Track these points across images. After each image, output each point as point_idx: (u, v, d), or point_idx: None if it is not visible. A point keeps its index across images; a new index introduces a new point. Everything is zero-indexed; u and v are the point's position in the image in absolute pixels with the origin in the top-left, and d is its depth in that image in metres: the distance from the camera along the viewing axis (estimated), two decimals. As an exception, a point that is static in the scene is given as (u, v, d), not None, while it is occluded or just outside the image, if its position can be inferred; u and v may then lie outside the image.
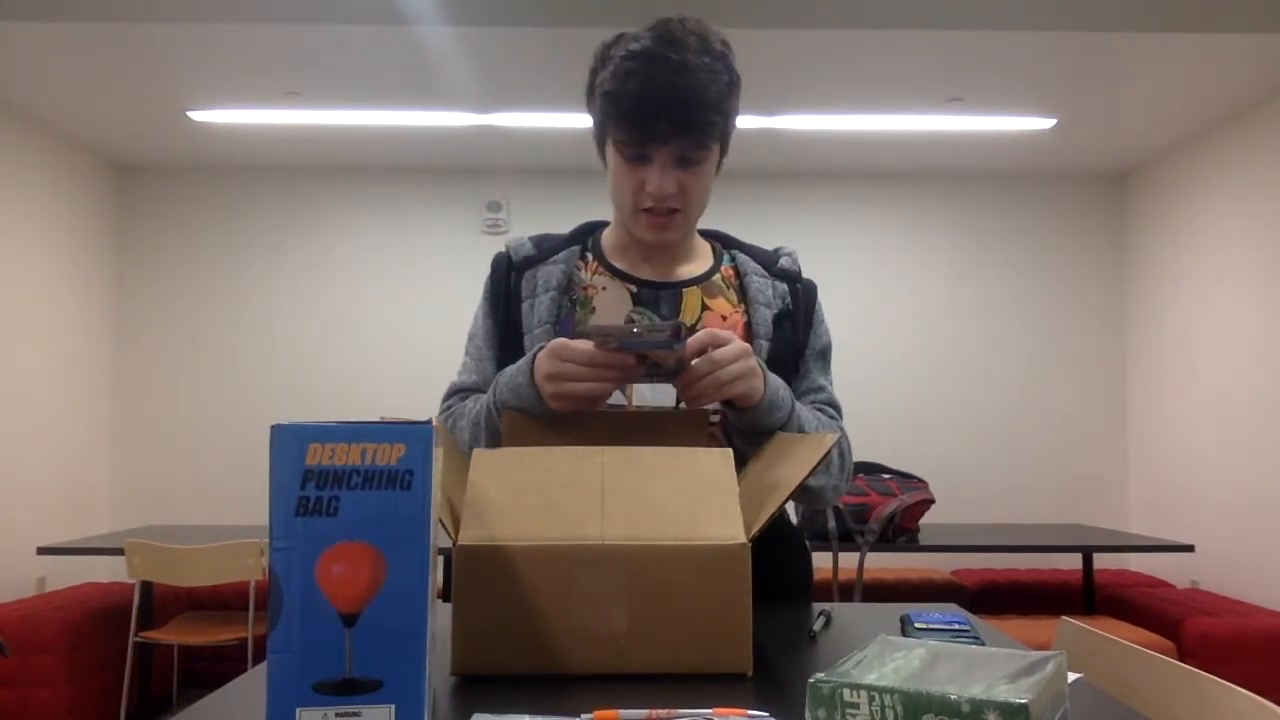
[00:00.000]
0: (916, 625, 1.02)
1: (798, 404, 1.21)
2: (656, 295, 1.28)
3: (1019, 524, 4.82)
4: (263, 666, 0.71)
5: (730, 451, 0.94)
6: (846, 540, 3.47)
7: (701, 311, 1.27)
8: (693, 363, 1.07)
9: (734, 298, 1.30)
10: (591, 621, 0.83)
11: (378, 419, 0.68)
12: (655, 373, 1.09)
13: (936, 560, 4.84)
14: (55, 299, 4.57)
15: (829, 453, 1.13)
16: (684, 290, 1.28)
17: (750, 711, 0.69)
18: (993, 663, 0.70)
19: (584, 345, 1.06)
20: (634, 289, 1.29)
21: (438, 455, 0.71)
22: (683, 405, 1.14)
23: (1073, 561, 4.34)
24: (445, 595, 1.49)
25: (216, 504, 4.89)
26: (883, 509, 3.50)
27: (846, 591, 3.65)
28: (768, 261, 1.33)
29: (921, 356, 5.14)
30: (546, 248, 1.32)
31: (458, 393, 1.31)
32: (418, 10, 3.29)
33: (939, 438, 5.07)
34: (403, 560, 0.65)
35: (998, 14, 3.36)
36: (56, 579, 4.42)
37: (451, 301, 4.87)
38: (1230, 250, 4.34)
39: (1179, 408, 4.69)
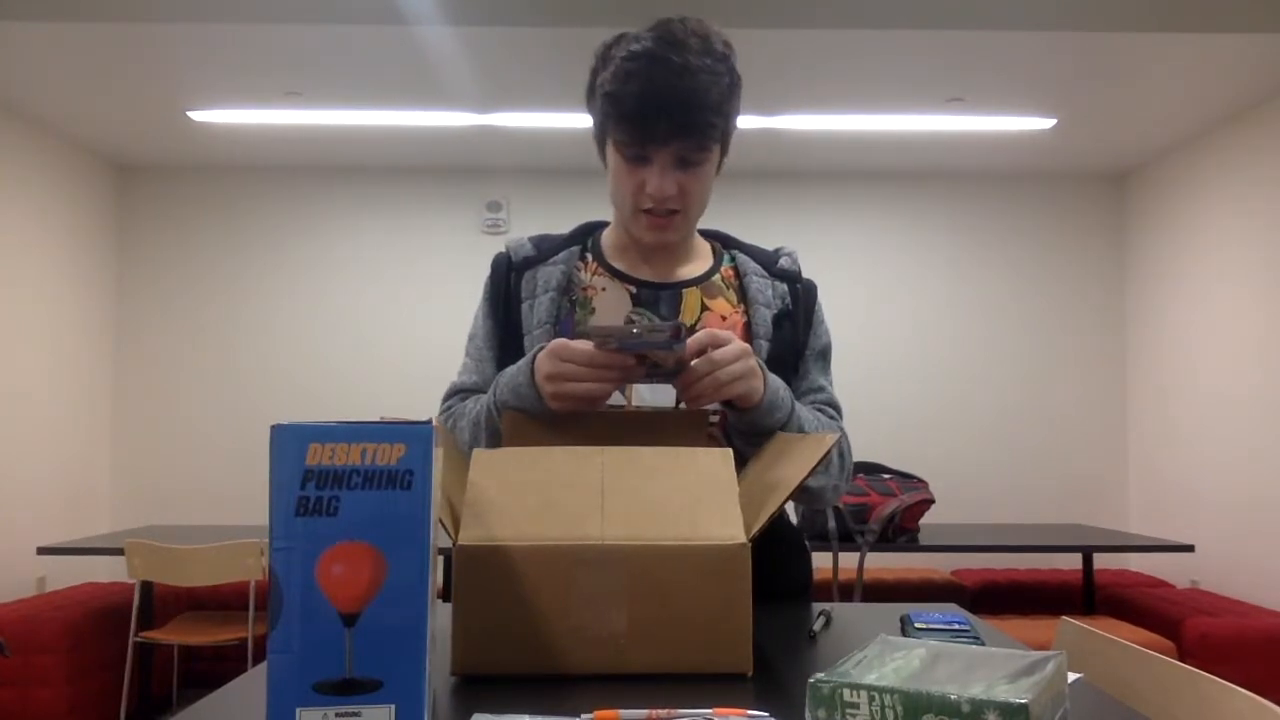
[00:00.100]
0: (916, 625, 1.02)
1: (797, 404, 1.21)
2: (656, 296, 1.28)
3: (1019, 524, 4.82)
4: (263, 666, 0.71)
5: (730, 451, 0.94)
6: (846, 540, 3.47)
7: (701, 312, 1.27)
8: (692, 363, 1.07)
9: (734, 298, 1.30)
10: (591, 621, 0.83)
11: (378, 419, 0.68)
12: (655, 373, 1.09)
13: (936, 560, 4.84)
14: (55, 299, 4.57)
15: (829, 453, 1.13)
16: (684, 291, 1.28)
17: (750, 711, 0.69)
18: (993, 663, 0.70)
19: (584, 346, 1.06)
20: (634, 289, 1.28)
21: (438, 455, 0.71)
22: (682, 405, 1.14)
23: (1073, 561, 4.34)
24: (445, 595, 1.49)
25: (216, 504, 4.89)
26: (883, 509, 3.50)
27: (846, 591, 3.65)
28: (768, 262, 1.33)
29: (921, 356, 5.14)
30: (546, 248, 1.32)
31: (458, 393, 1.31)
32: (418, 10, 3.29)
33: (939, 438, 5.07)
34: (403, 560, 0.65)
35: (998, 14, 3.36)
36: (56, 579, 4.42)
37: (451, 301, 4.87)
38: (1230, 250, 4.34)
39: (1179, 408, 4.69)
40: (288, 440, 0.65)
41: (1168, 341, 4.80)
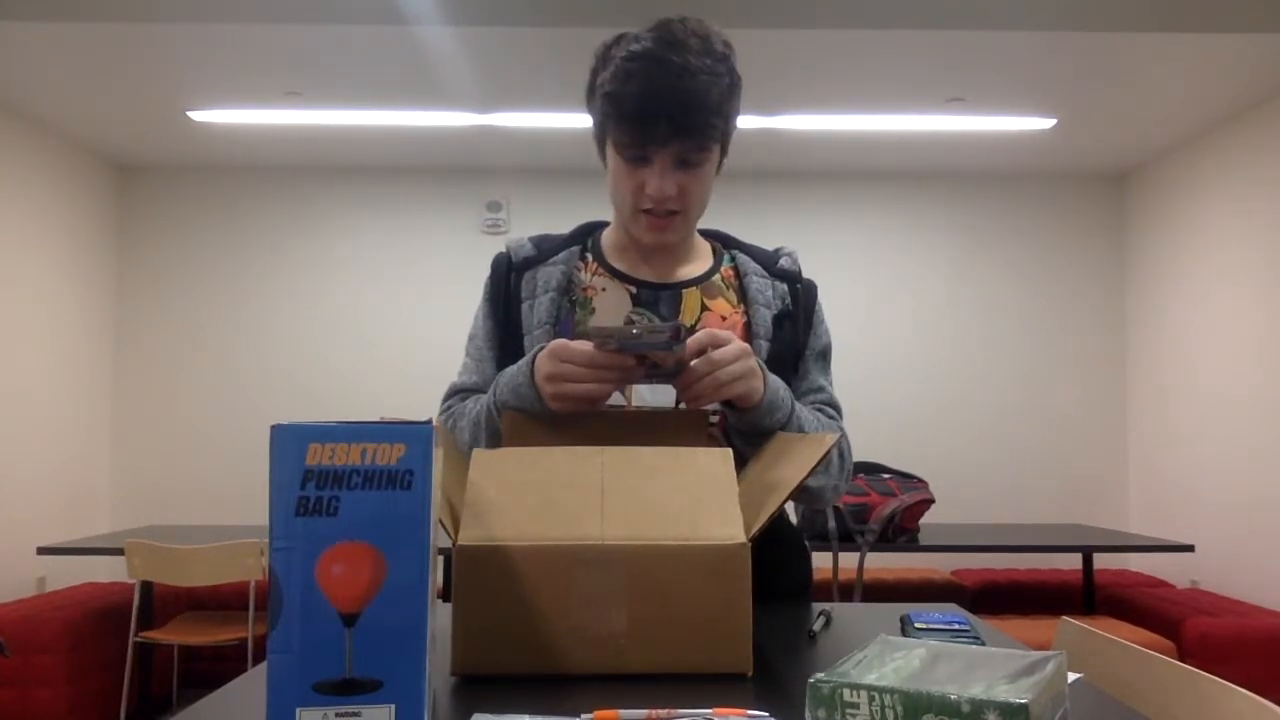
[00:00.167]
0: (916, 625, 1.02)
1: (797, 404, 1.21)
2: (656, 296, 1.28)
3: (1019, 524, 4.82)
4: (263, 666, 0.71)
5: (730, 451, 0.94)
6: (846, 540, 3.47)
7: (701, 312, 1.27)
8: (692, 363, 1.07)
9: (734, 298, 1.30)
10: (591, 621, 0.83)
11: (378, 419, 0.68)
12: (655, 374, 1.09)
13: (936, 560, 4.84)
14: (55, 299, 4.57)
15: (829, 453, 1.13)
16: (683, 291, 1.28)
17: (750, 711, 0.69)
18: (993, 663, 0.70)
19: (583, 346, 1.06)
20: (633, 290, 1.28)
21: (438, 455, 0.71)
22: (682, 406, 1.14)
23: (1073, 561, 4.34)
24: (445, 595, 1.49)
25: (216, 504, 4.89)
26: (883, 509, 3.50)
27: (846, 591, 3.65)
28: (768, 262, 1.33)
29: (921, 356, 5.14)
30: (546, 248, 1.32)
31: (458, 393, 1.31)
32: (418, 10, 3.29)
33: (939, 438, 5.07)
34: (403, 560, 0.65)
35: (998, 14, 3.36)
36: (56, 579, 4.42)
37: (451, 301, 4.87)
38: (1230, 250, 4.34)
39: (1179, 408, 4.69)
40: (288, 440, 0.65)
41: (1168, 341, 4.80)
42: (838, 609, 1.16)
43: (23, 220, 4.35)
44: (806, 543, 1.44)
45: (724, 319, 1.27)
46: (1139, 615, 3.97)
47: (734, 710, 0.69)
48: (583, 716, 0.69)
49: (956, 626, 1.01)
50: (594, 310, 1.27)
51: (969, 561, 4.86)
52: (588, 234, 1.36)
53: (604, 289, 1.29)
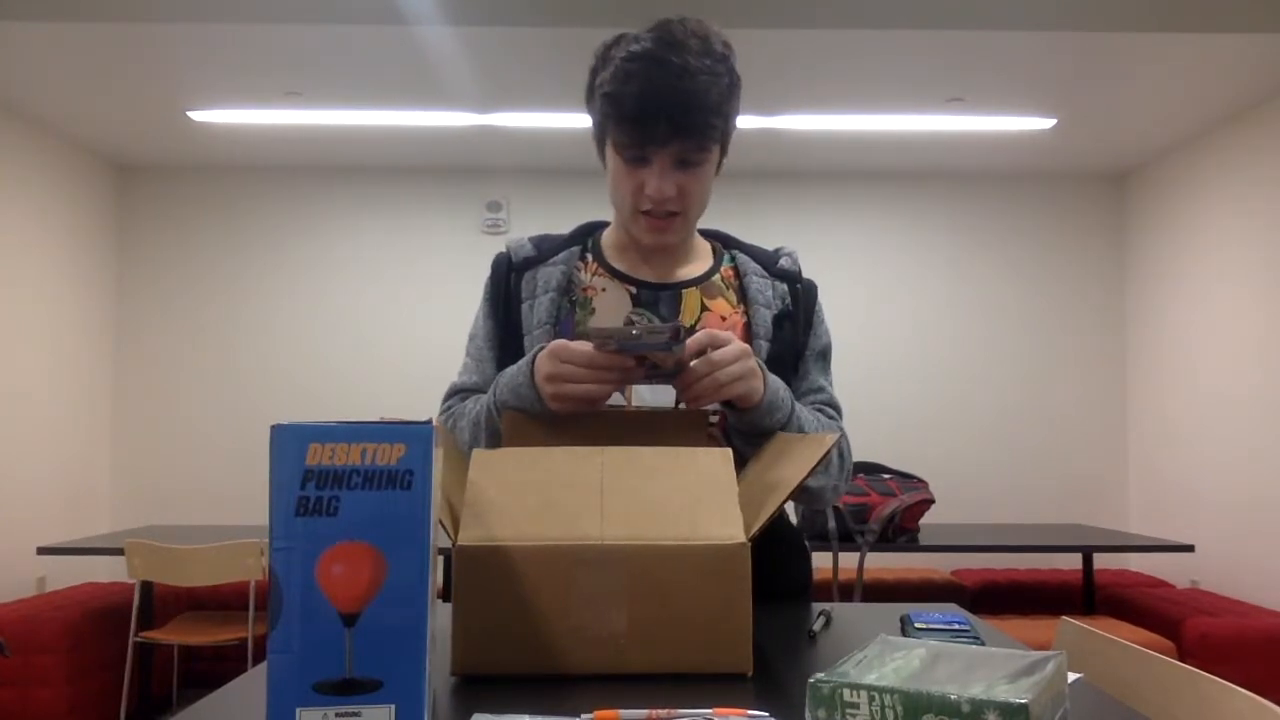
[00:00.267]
0: (916, 625, 1.02)
1: (797, 404, 1.21)
2: (656, 296, 1.28)
3: (1019, 524, 4.82)
4: (263, 666, 0.71)
5: (730, 451, 0.94)
6: (846, 540, 3.47)
7: (701, 312, 1.27)
8: (692, 364, 1.07)
9: (734, 298, 1.29)
10: (591, 621, 0.83)
11: (378, 419, 0.68)
12: (655, 374, 1.09)
13: (936, 560, 4.84)
14: (55, 299, 4.57)
15: (828, 453, 1.13)
16: (683, 291, 1.28)
17: (750, 711, 0.69)
18: (993, 663, 0.70)
19: (583, 347, 1.06)
20: (633, 290, 1.28)
21: (438, 455, 0.71)
22: (682, 406, 1.14)
23: (1073, 561, 4.34)
24: (445, 595, 1.49)
25: (216, 504, 4.89)
26: (883, 509, 3.50)
27: (846, 591, 3.65)
28: (768, 262, 1.33)
29: (921, 356, 5.14)
30: (546, 249, 1.32)
31: (458, 393, 1.31)
32: (418, 10, 3.29)
33: (939, 438, 5.07)
34: (403, 560, 0.65)
35: (998, 14, 3.36)
36: (56, 579, 4.42)
37: (451, 301, 4.87)
38: (1230, 250, 4.34)
39: (1179, 408, 4.69)
40: (288, 440, 0.65)
41: (1168, 341, 4.80)
42: (838, 609, 1.16)
43: (23, 220, 4.35)
44: (806, 543, 1.44)
45: (724, 319, 1.27)
46: (1139, 615, 3.97)
47: (734, 710, 0.69)
48: (583, 716, 0.69)
49: (956, 626, 1.01)
50: (594, 310, 1.27)
51: (969, 561, 4.86)
52: (588, 234, 1.36)
53: (604, 289, 1.29)
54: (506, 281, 1.31)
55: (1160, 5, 3.37)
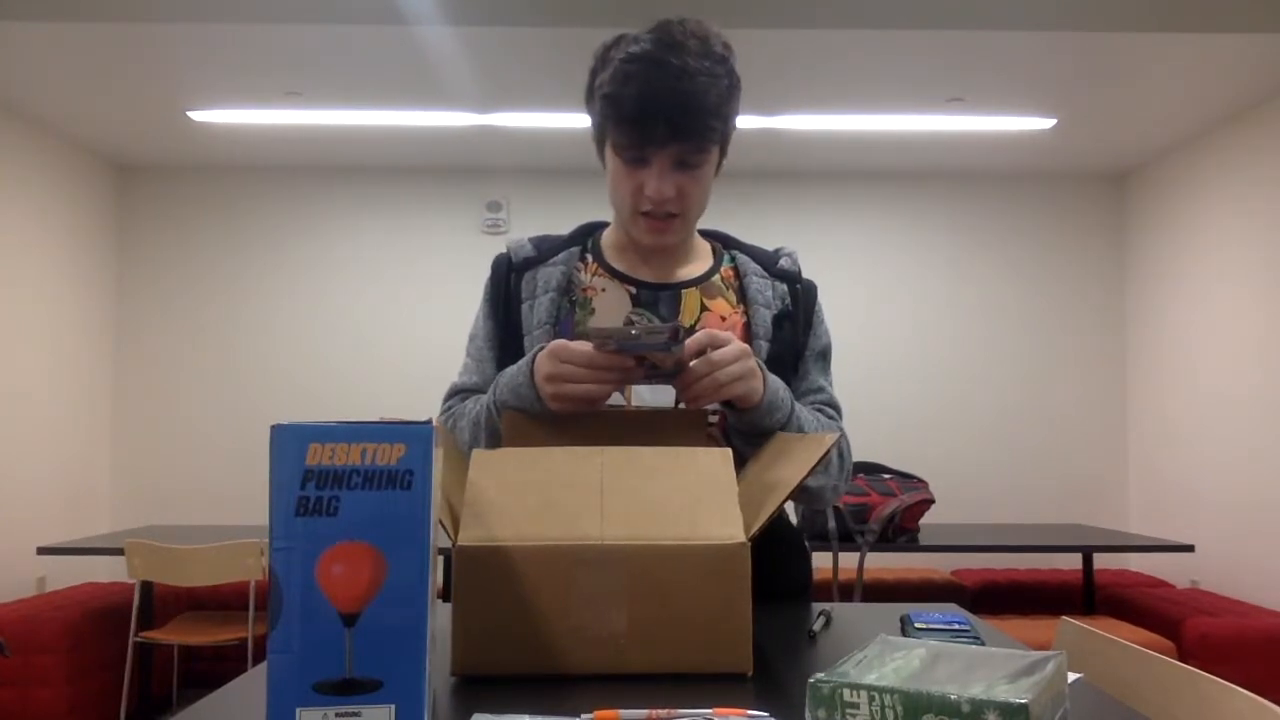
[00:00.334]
0: (916, 625, 1.02)
1: (797, 404, 1.21)
2: (655, 296, 1.28)
3: (1019, 524, 4.82)
4: (263, 666, 0.71)
5: (730, 451, 0.94)
6: (846, 540, 3.47)
7: (700, 312, 1.27)
8: (691, 364, 1.07)
9: (733, 298, 1.29)
10: (591, 621, 0.83)
11: (378, 419, 0.68)
12: (654, 374, 1.09)
13: (936, 560, 4.84)
14: (55, 299, 4.57)
15: (828, 453, 1.13)
16: (683, 291, 1.28)
17: (750, 711, 0.69)
18: (993, 663, 0.70)
19: (583, 347, 1.06)
20: (633, 290, 1.28)
21: (438, 455, 0.71)
22: (682, 406, 1.14)
23: (1073, 561, 4.34)
24: (445, 595, 1.49)
25: (216, 504, 4.89)
26: (883, 509, 3.50)
27: (846, 591, 3.65)
28: (768, 262, 1.33)
29: (921, 356, 5.14)
30: (546, 249, 1.32)
31: (458, 393, 1.31)
32: (418, 10, 3.29)
33: (939, 438, 5.07)
34: (403, 560, 0.65)
35: (998, 14, 3.36)
36: (56, 579, 4.42)
37: (451, 301, 4.87)
38: (1230, 250, 4.34)
39: (1179, 408, 4.69)
40: (288, 440, 0.65)
41: (1168, 341, 4.80)
42: (838, 609, 1.16)
43: (23, 220, 4.35)
44: (806, 543, 1.44)
45: (723, 319, 1.27)
46: (1139, 615, 3.97)
47: (734, 710, 0.69)
48: (583, 716, 0.69)
49: (956, 626, 1.01)
50: (594, 311, 1.27)
51: (969, 561, 4.86)
52: (588, 234, 1.36)
53: (604, 289, 1.29)
54: (506, 282, 1.31)
55: (1160, 5, 3.37)
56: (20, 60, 3.66)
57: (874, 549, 3.49)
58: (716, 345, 1.08)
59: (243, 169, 5.09)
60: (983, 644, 0.94)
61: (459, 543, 0.83)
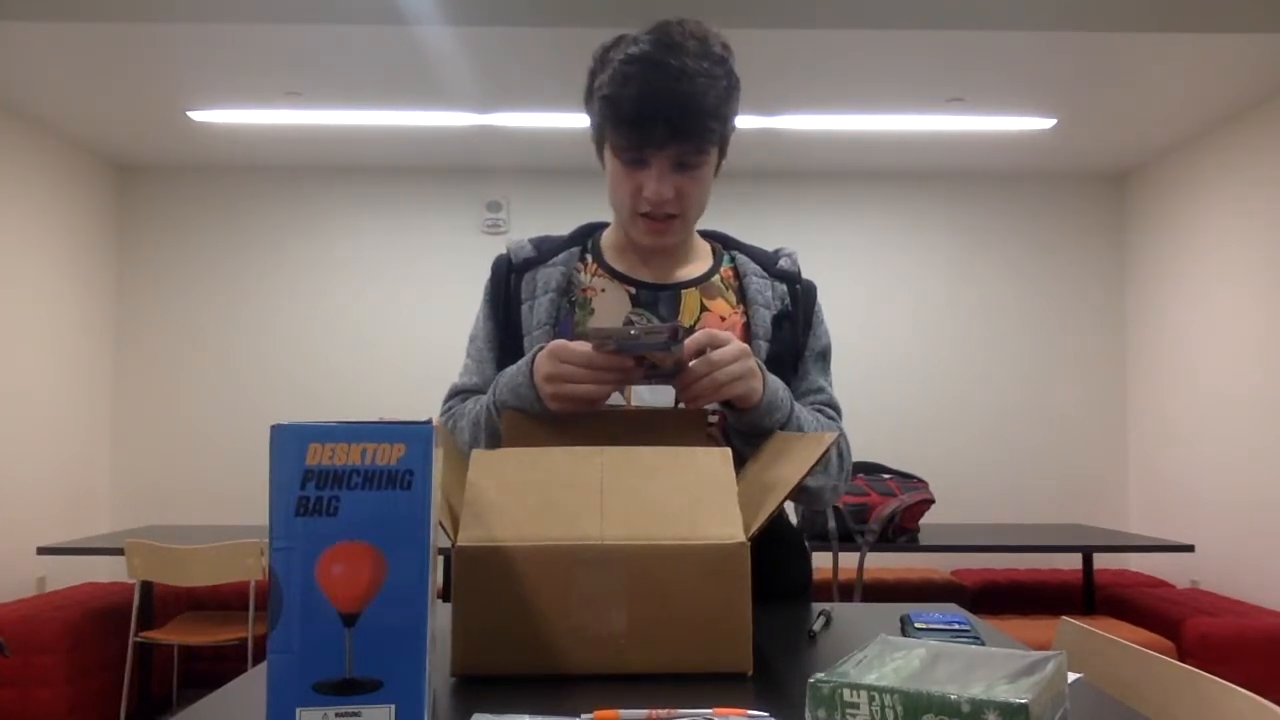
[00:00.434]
0: (916, 625, 1.02)
1: (797, 404, 1.21)
2: (655, 297, 1.28)
3: (1019, 524, 4.82)
4: (263, 666, 0.71)
5: (729, 451, 0.94)
6: (846, 540, 3.47)
7: (700, 313, 1.27)
8: (691, 364, 1.07)
9: (733, 299, 1.29)
10: (591, 621, 0.83)
11: (378, 419, 0.68)
12: (654, 374, 1.09)
13: (936, 560, 4.84)
14: (55, 299, 4.57)
15: (827, 452, 1.13)
16: (683, 292, 1.28)
17: (750, 711, 0.69)
18: (993, 663, 0.70)
19: (582, 347, 1.06)
20: (633, 290, 1.28)
21: (438, 455, 0.71)
22: (681, 406, 1.14)
23: (1073, 561, 4.34)
24: (445, 595, 1.49)
25: (216, 504, 4.89)
26: (883, 509, 3.50)
27: (846, 591, 3.65)
28: (767, 262, 1.33)
29: (921, 356, 5.14)
30: (546, 249, 1.32)
31: (459, 394, 1.31)
32: (418, 10, 3.29)
33: (939, 438, 5.07)
34: (403, 560, 0.65)
35: (998, 14, 3.36)
36: (56, 579, 4.42)
37: (451, 301, 4.87)
38: (1230, 250, 4.34)
39: (1179, 408, 4.69)
40: (288, 440, 0.65)
41: (1168, 341, 4.80)
42: (838, 609, 1.16)
43: (23, 220, 4.35)
44: (806, 543, 1.44)
45: (723, 319, 1.27)
46: (1139, 615, 3.97)
47: (734, 710, 0.69)
48: (583, 716, 0.69)
49: (956, 626, 1.01)
50: (593, 311, 1.27)
51: (969, 561, 4.86)
52: (588, 235, 1.36)
53: (603, 290, 1.29)
54: (506, 282, 1.31)
55: (1160, 5, 3.37)
56: (20, 60, 3.66)
57: (874, 549, 3.49)
58: (716, 345, 1.08)
59: (243, 169, 5.09)
60: (983, 644, 0.94)
61: (459, 543, 0.83)
